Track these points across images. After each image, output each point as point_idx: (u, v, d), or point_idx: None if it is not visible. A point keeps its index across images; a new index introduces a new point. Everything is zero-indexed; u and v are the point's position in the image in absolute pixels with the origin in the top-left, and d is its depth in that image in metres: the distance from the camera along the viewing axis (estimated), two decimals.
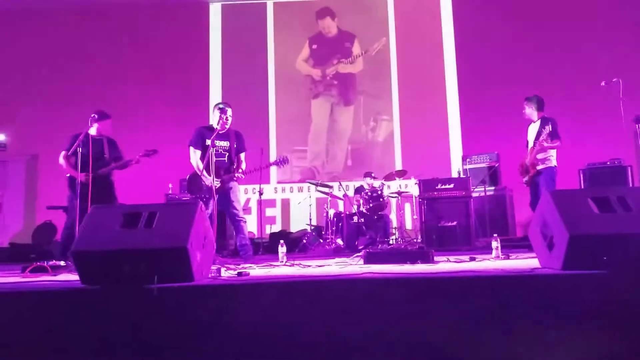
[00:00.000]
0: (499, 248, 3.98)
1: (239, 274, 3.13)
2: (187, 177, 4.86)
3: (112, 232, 2.79)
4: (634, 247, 2.49)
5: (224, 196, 4.75)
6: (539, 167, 5.07)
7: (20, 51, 9.09)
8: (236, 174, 4.79)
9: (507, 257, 3.92)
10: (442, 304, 2.48)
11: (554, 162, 5.09)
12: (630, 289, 2.38)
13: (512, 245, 5.17)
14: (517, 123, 8.24)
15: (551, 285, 2.51)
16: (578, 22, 8.58)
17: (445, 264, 3.65)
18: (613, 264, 2.48)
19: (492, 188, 7.02)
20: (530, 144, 5.22)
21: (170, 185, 7.46)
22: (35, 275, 3.65)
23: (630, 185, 6.29)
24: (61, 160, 4.93)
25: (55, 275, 3.66)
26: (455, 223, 5.87)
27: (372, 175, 7.19)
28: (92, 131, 5.00)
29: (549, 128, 4.89)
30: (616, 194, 2.79)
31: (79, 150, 4.56)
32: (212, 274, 3.05)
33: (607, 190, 2.84)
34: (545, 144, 4.95)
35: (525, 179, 5.21)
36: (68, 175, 4.92)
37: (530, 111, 5.29)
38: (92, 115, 4.92)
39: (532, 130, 5.27)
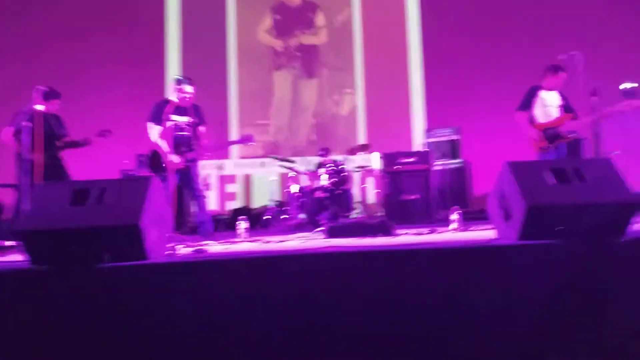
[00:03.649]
0: (459, 220, 4.03)
1: (197, 251, 3.05)
2: (149, 154, 4.69)
3: (60, 209, 2.65)
4: (589, 217, 2.54)
5: (186, 172, 4.63)
6: (572, 135, 4.92)
7: None
8: (204, 153, 4.68)
9: (466, 229, 3.98)
10: (401, 275, 2.48)
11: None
12: (584, 258, 2.44)
13: (472, 218, 5.26)
14: (480, 97, 8.39)
15: (507, 255, 2.55)
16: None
17: (406, 237, 3.68)
18: (568, 234, 2.54)
19: (453, 161, 7.11)
20: (557, 110, 4.98)
21: (126, 161, 7.20)
22: None
23: (585, 156, 6.47)
24: (5, 137, 4.67)
25: (2, 256, 3.51)
26: (416, 196, 5.94)
27: (320, 152, 7.10)
28: (40, 107, 4.73)
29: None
30: (572, 165, 2.83)
31: (25, 125, 4.30)
32: (168, 252, 2.96)
33: (564, 162, 2.88)
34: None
35: (549, 145, 4.89)
36: (16, 152, 4.69)
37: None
38: (38, 89, 4.66)
39: (556, 97, 5.02)
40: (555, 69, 5.02)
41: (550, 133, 4.94)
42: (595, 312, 2.40)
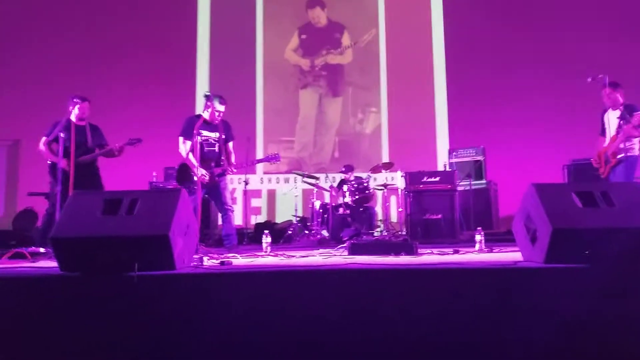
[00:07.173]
0: (483, 241, 3.99)
1: (222, 263, 3.09)
2: (177, 167, 4.79)
3: (92, 218, 2.73)
4: (616, 242, 2.50)
5: (214, 186, 4.70)
6: (619, 156, 4.74)
7: None
8: (231, 169, 4.73)
9: (491, 250, 3.93)
10: (424, 295, 2.47)
11: (637, 151, 4.76)
12: (612, 283, 2.40)
13: (496, 239, 5.20)
14: (504, 118, 8.34)
15: (534, 278, 2.52)
16: (567, 17, 8.62)
17: (429, 256, 3.66)
18: (595, 258, 2.50)
19: (478, 182, 7.06)
20: (612, 132, 4.84)
21: (154, 174, 7.36)
22: (14, 262, 3.58)
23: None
24: (41, 147, 4.82)
25: (34, 262, 3.60)
26: (440, 216, 5.89)
27: (342, 169, 7.18)
28: (74, 117, 4.87)
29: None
30: (600, 189, 2.80)
31: (61, 135, 4.45)
32: (194, 263, 3.01)
33: (591, 185, 2.85)
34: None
35: (602, 170, 4.88)
36: (49, 162, 4.82)
37: (617, 97, 4.84)
38: (73, 100, 4.82)
39: (613, 117, 4.86)
40: (610, 86, 4.86)
41: (604, 157, 4.87)
42: (621, 340, 2.35)
